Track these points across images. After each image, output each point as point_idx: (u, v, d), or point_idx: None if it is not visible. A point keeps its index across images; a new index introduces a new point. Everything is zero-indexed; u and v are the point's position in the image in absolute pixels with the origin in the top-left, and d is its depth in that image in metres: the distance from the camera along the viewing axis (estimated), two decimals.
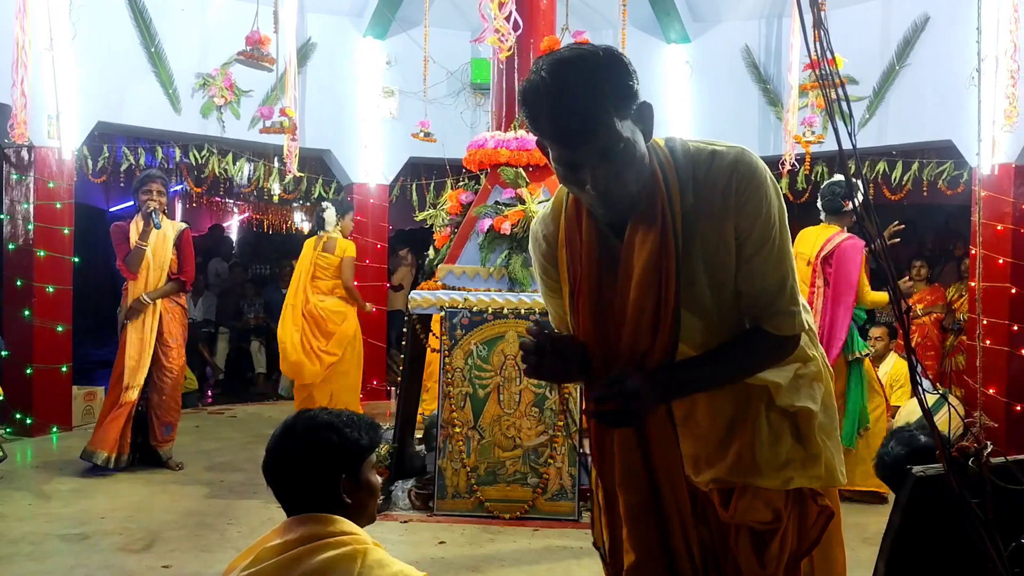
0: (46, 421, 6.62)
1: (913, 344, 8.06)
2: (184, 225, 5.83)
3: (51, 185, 6.66)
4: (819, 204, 5.27)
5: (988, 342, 6.39)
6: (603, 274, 1.66)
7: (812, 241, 5.15)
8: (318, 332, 6.42)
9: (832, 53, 1.23)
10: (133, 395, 5.48)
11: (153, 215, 5.44)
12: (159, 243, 5.58)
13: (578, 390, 4.26)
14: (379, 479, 1.94)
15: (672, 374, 1.61)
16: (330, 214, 6.62)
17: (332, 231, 6.59)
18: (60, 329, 6.72)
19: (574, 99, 1.48)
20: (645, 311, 1.59)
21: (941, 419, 1.55)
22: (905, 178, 7.58)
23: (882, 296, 5.06)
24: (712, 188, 1.58)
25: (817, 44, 1.12)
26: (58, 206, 6.71)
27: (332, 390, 6.37)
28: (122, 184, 8.25)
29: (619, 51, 1.55)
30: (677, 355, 1.62)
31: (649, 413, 1.59)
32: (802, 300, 1.75)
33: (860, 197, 1.60)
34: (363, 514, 1.87)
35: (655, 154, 1.61)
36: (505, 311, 4.61)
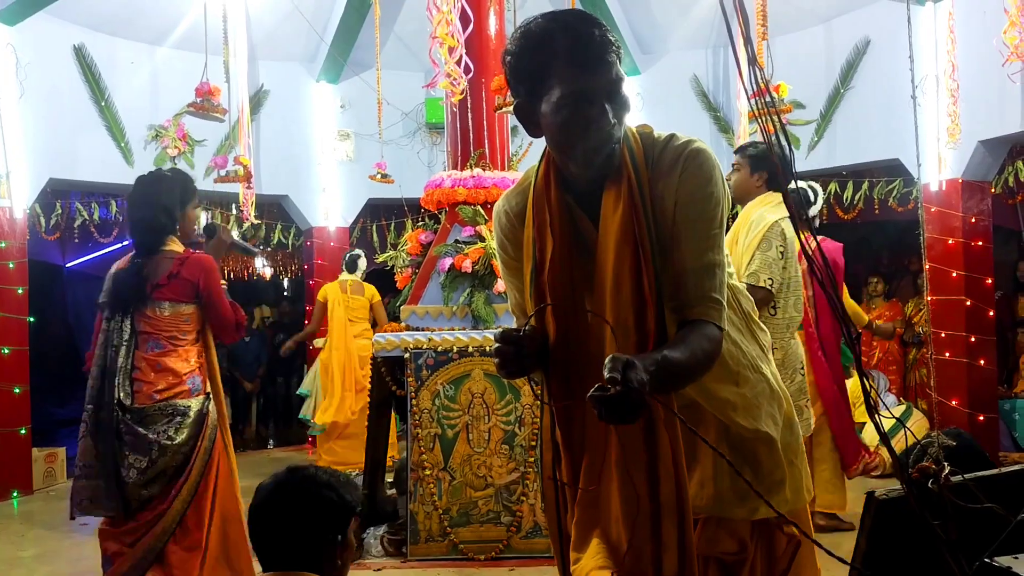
0: (6, 485, 6.44)
1: (875, 360, 8.05)
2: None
3: (3, 245, 6.54)
4: None
5: (948, 354, 6.49)
6: (571, 248, 1.65)
7: None
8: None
9: (768, 87, 1.25)
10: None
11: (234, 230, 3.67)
12: None
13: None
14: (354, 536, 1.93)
15: (658, 362, 1.40)
16: (363, 261, 7.08)
17: (358, 276, 6.99)
18: (17, 391, 6.57)
19: (592, 29, 1.55)
20: (623, 275, 1.56)
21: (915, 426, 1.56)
22: (856, 197, 7.73)
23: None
24: (662, 162, 1.63)
25: (753, 80, 1.15)
26: (11, 266, 6.59)
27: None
28: (76, 240, 8.14)
29: None
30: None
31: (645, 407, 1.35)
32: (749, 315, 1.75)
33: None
34: (341, 570, 1.86)
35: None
36: (470, 349, 4.59)
